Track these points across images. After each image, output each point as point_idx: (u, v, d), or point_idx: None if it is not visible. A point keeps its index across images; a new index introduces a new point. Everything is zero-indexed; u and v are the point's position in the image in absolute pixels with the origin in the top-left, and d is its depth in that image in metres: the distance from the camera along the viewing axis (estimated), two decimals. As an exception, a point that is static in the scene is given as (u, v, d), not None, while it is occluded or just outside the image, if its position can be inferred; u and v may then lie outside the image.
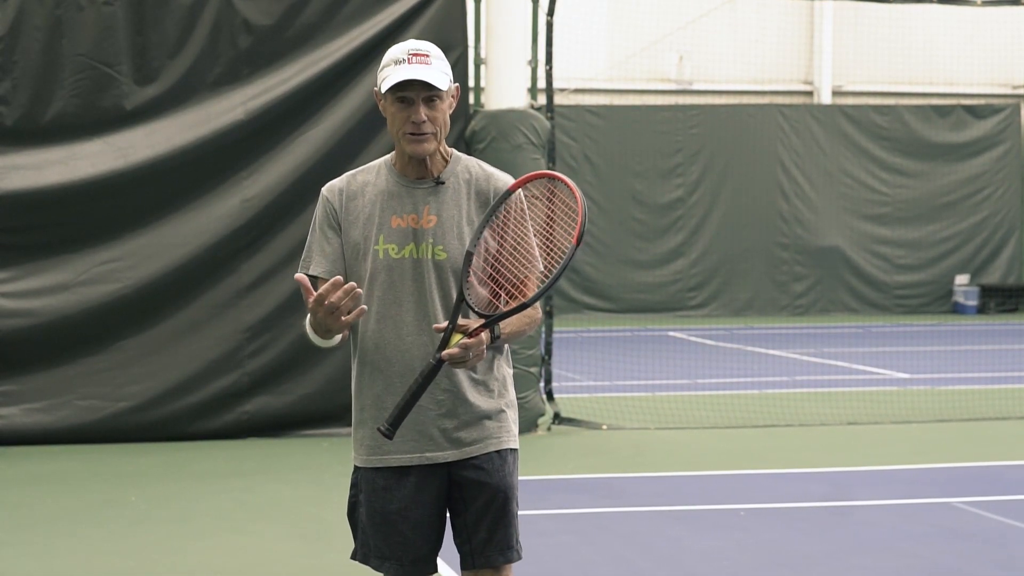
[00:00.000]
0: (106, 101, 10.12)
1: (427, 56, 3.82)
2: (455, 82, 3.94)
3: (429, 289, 3.89)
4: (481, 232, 3.86)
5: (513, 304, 3.83)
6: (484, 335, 3.73)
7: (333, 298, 3.60)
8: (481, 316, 3.77)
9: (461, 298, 3.79)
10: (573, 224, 3.78)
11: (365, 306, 3.71)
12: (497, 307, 3.86)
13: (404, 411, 3.71)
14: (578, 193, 3.78)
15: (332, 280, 3.61)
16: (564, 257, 3.78)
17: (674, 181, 22.83)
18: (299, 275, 3.68)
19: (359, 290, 3.64)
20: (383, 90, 3.84)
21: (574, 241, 3.73)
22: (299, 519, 7.74)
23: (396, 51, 3.85)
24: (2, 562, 6.77)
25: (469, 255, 3.84)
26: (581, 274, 22.19)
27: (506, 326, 3.82)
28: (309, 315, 3.71)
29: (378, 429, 3.73)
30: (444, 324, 3.74)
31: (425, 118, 3.82)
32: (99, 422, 10.02)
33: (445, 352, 3.69)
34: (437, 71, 3.82)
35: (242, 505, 8.14)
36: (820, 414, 11.53)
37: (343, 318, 3.64)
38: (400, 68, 3.80)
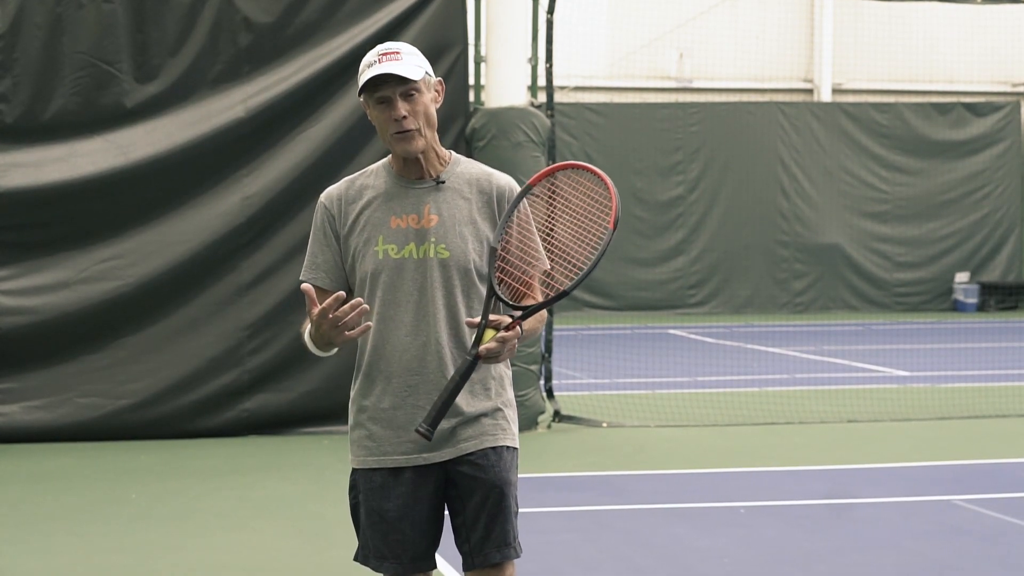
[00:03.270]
0: (106, 99, 10.13)
1: (398, 53, 3.83)
2: (437, 77, 3.95)
3: (431, 288, 3.87)
4: (504, 228, 3.86)
5: (540, 298, 3.85)
6: (519, 328, 3.76)
7: (339, 312, 3.61)
8: (517, 308, 3.79)
9: (492, 293, 3.80)
10: (601, 213, 3.80)
11: (371, 323, 3.72)
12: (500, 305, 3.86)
13: (442, 411, 3.69)
14: (606, 179, 3.81)
15: (335, 295, 3.62)
16: (601, 242, 3.78)
17: (674, 179, 22.84)
18: (305, 285, 3.68)
19: (366, 306, 3.64)
20: (359, 92, 3.86)
21: (611, 225, 3.75)
22: (299, 517, 7.74)
23: (368, 55, 3.88)
24: (3, 559, 6.77)
25: (494, 250, 3.84)
26: (581, 272, 22.18)
27: (526, 324, 3.83)
28: (311, 326, 3.72)
29: (416, 430, 3.71)
30: (477, 319, 3.75)
31: (405, 113, 3.81)
32: (99, 419, 10.02)
33: (482, 347, 3.69)
34: (409, 64, 3.82)
35: (242, 503, 8.14)
36: (820, 412, 11.53)
37: (347, 332, 3.65)
38: (372, 69, 3.82)
